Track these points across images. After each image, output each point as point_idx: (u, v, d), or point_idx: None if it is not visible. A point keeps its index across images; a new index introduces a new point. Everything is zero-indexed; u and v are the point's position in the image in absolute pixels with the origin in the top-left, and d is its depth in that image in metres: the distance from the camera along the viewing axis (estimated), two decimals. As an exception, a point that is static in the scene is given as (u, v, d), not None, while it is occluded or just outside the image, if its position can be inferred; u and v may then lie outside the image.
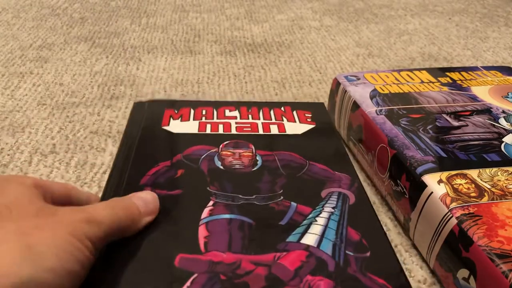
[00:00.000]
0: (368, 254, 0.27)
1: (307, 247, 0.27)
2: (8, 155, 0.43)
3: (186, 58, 0.66)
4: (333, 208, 0.30)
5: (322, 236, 0.28)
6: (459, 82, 0.47)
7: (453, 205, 0.29)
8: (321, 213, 0.30)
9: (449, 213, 0.29)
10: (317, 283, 0.25)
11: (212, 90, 0.57)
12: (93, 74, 0.60)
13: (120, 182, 0.32)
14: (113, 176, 0.33)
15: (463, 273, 0.27)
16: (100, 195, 0.38)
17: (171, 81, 0.59)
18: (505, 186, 0.31)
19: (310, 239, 0.27)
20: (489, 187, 0.31)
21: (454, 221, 0.28)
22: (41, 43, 0.70)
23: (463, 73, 0.49)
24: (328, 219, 0.29)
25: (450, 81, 0.47)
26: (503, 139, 0.36)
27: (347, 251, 0.27)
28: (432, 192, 0.31)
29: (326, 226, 0.28)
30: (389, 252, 0.27)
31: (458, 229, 0.28)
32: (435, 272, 0.31)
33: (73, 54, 0.66)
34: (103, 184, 0.39)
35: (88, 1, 0.92)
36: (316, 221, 0.29)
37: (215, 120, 0.40)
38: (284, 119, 0.40)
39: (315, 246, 0.27)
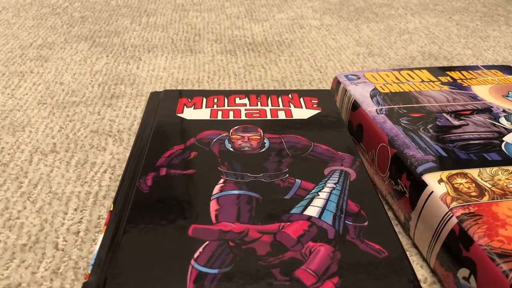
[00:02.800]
0: (366, 223, 0.29)
1: (309, 218, 0.29)
2: (9, 154, 0.43)
3: (186, 57, 0.66)
4: (335, 184, 0.32)
5: (324, 208, 0.30)
6: (459, 81, 0.47)
7: (454, 204, 0.29)
8: (323, 188, 0.32)
9: (450, 212, 0.29)
10: (318, 248, 0.27)
11: (212, 89, 0.57)
12: (93, 73, 0.60)
13: (139, 164, 0.35)
14: (132, 159, 0.36)
15: (463, 272, 0.27)
16: (101, 193, 0.38)
17: (172, 80, 0.59)
18: (506, 186, 0.31)
19: (312, 211, 0.30)
20: (489, 186, 0.31)
21: (454, 220, 0.28)
22: (42, 42, 0.70)
23: (463, 72, 0.49)
24: (330, 193, 0.31)
25: (451, 80, 0.47)
26: (504, 138, 0.36)
27: (346, 221, 0.29)
28: (432, 192, 0.31)
29: (327, 200, 0.31)
30: (386, 222, 0.29)
31: (459, 229, 0.28)
32: (435, 272, 0.31)
33: (73, 53, 0.66)
34: (104, 183, 0.39)
35: (88, 0, 0.92)
36: (318, 195, 0.31)
37: (226, 107, 0.42)
38: (291, 105, 0.43)
39: (317, 217, 0.29)
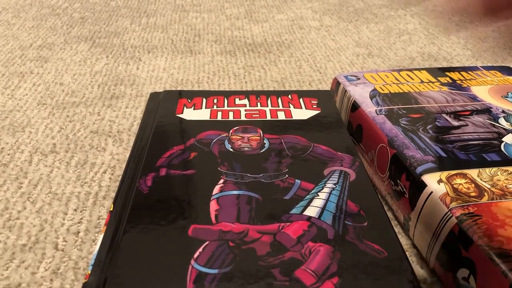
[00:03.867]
0: (365, 224, 0.29)
1: (309, 218, 0.29)
2: (9, 154, 0.43)
3: (186, 58, 0.66)
4: (334, 184, 0.32)
5: (324, 208, 0.30)
6: (458, 82, 0.47)
7: (453, 204, 0.29)
8: (323, 188, 0.32)
9: (449, 212, 0.29)
10: (317, 248, 0.27)
11: (212, 89, 0.57)
12: (93, 74, 0.60)
13: (138, 164, 0.35)
14: (131, 159, 0.36)
15: (463, 272, 0.27)
16: (101, 193, 0.39)
17: (171, 80, 0.59)
18: (505, 186, 0.31)
19: (312, 211, 0.30)
20: (489, 186, 0.31)
21: (454, 220, 0.28)
22: (41, 42, 0.70)
23: (462, 73, 0.49)
24: (330, 193, 0.31)
25: (450, 81, 0.47)
26: (503, 139, 0.36)
27: (346, 221, 0.29)
28: (432, 192, 0.31)
29: (327, 200, 0.31)
30: (386, 222, 0.29)
31: (458, 229, 0.28)
32: (435, 272, 0.31)
33: (73, 53, 0.66)
34: (104, 183, 0.40)
35: (88, 1, 0.92)
36: (318, 195, 0.31)
37: (225, 108, 0.42)
38: (291, 105, 0.43)
39: (317, 217, 0.29)
